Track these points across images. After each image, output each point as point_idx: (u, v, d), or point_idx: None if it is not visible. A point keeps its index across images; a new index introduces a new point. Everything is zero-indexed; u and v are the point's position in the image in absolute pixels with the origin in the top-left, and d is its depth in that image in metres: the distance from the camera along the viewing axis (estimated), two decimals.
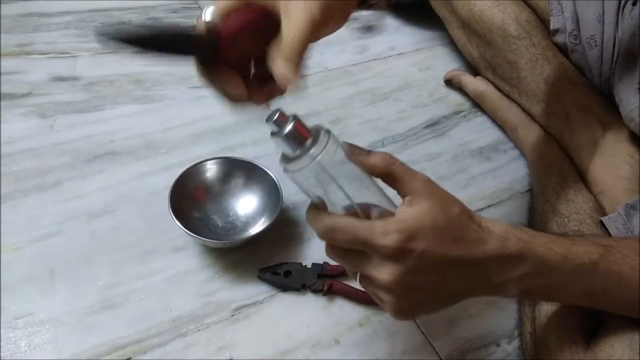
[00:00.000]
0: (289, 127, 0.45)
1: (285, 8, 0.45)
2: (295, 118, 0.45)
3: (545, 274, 0.48)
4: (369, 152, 0.47)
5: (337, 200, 0.46)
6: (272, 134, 0.46)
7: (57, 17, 1.00)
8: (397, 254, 0.43)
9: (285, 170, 0.46)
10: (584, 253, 0.49)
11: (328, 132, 0.45)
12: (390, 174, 0.46)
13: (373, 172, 0.47)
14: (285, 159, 0.46)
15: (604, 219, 0.67)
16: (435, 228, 0.44)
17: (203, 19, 0.43)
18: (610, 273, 0.50)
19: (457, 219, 0.46)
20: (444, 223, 0.45)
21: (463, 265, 0.46)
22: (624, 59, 0.74)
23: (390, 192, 0.48)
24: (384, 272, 0.44)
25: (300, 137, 0.45)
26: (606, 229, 0.67)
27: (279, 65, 0.44)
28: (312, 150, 0.44)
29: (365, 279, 0.47)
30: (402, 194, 0.47)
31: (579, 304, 0.55)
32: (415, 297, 0.46)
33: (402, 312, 0.47)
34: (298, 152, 0.44)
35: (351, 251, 0.46)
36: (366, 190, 0.47)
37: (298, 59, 0.45)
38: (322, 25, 0.45)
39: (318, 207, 0.47)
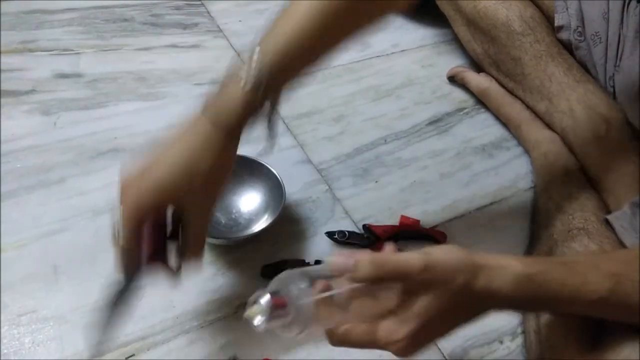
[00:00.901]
0: (263, 301, 0.45)
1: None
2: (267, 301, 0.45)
3: (554, 306, 0.50)
4: (347, 256, 0.45)
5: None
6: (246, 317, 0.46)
7: (61, 14, 1.00)
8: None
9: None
10: (593, 292, 0.48)
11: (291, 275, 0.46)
12: (383, 274, 0.44)
13: (362, 279, 0.44)
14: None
15: (609, 216, 0.67)
16: (442, 310, 0.44)
17: None
18: (619, 305, 0.49)
19: (461, 296, 0.45)
20: (447, 302, 0.44)
21: (468, 320, 0.47)
22: (628, 56, 0.74)
23: None
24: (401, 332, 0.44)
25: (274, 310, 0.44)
26: (611, 226, 0.67)
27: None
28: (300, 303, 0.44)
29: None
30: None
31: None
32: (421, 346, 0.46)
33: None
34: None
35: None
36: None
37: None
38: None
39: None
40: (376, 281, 0.44)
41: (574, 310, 0.50)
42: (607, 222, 0.67)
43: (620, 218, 0.66)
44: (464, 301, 0.45)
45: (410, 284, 0.43)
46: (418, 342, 0.45)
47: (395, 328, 0.44)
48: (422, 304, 0.43)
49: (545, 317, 0.61)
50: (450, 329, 0.46)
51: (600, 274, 0.50)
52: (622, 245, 0.65)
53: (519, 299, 0.47)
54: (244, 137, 0.84)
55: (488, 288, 0.45)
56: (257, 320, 0.44)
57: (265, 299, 0.44)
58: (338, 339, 0.46)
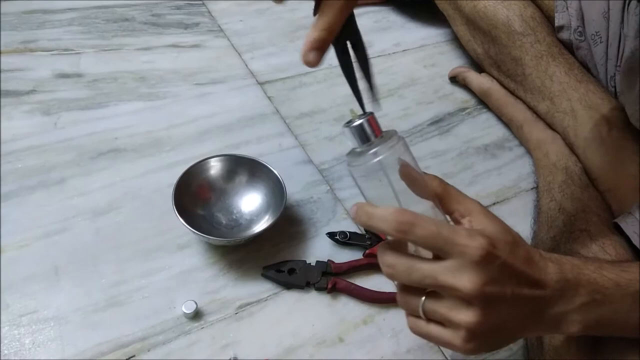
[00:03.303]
0: (359, 121, 0.45)
1: None
2: (371, 115, 0.46)
3: (601, 302, 0.46)
4: (424, 173, 0.46)
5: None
6: (345, 124, 0.46)
7: (61, 14, 1.00)
8: (483, 259, 0.40)
9: (348, 164, 0.46)
10: (636, 280, 0.47)
11: (401, 138, 0.46)
12: (447, 195, 0.45)
13: (430, 192, 0.45)
14: (350, 153, 0.46)
15: (620, 222, 0.66)
16: (507, 243, 0.42)
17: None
18: None
19: (520, 240, 0.45)
20: (512, 240, 0.43)
21: (532, 286, 0.43)
22: (629, 56, 0.73)
23: None
24: (467, 279, 0.40)
25: (369, 134, 0.45)
26: (617, 230, 0.66)
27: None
28: (377, 149, 0.44)
29: (433, 299, 0.43)
30: (459, 215, 0.45)
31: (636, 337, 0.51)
32: (491, 314, 0.42)
33: (477, 335, 0.42)
34: (363, 147, 0.45)
35: (419, 259, 0.42)
36: (422, 206, 0.45)
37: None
38: None
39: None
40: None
41: (619, 305, 0.47)
42: (616, 226, 0.67)
43: (631, 224, 0.65)
44: (526, 246, 0.45)
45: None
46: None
47: (477, 233, 0.41)
48: (486, 222, 0.44)
49: None
50: (520, 283, 0.43)
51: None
52: (632, 249, 0.64)
53: (567, 275, 0.45)
54: (244, 137, 0.84)
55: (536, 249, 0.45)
56: (356, 122, 0.45)
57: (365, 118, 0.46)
58: (411, 215, 0.41)
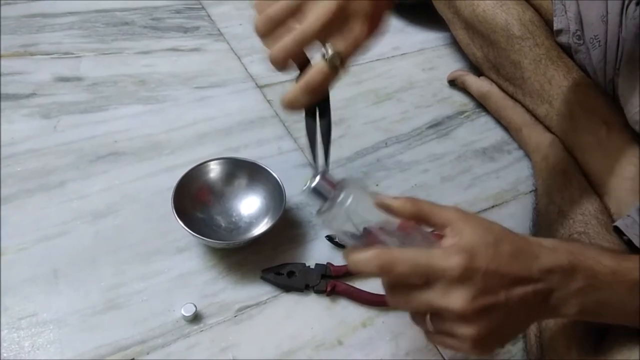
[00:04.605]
0: (315, 182, 0.48)
1: None
2: (322, 174, 0.49)
3: (598, 287, 0.47)
4: (393, 198, 0.47)
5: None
6: (303, 190, 0.50)
7: (61, 17, 1.00)
8: (463, 276, 0.41)
9: (323, 222, 0.50)
10: (634, 269, 0.48)
11: (354, 181, 0.49)
12: (420, 212, 0.46)
13: (402, 215, 0.47)
14: (318, 213, 0.49)
15: (619, 225, 0.66)
16: (488, 246, 0.43)
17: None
18: None
19: (503, 236, 0.45)
20: (494, 240, 0.44)
21: (525, 283, 0.44)
22: (627, 60, 0.74)
23: None
24: (455, 298, 0.42)
25: (326, 190, 0.48)
26: (618, 234, 0.66)
27: None
28: (340, 199, 0.47)
29: (436, 318, 0.45)
30: (439, 227, 0.46)
31: (635, 326, 0.52)
32: (490, 323, 0.43)
33: (482, 342, 0.44)
34: (326, 205, 0.48)
35: (413, 288, 0.44)
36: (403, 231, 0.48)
37: None
38: None
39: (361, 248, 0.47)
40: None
41: (616, 292, 0.48)
42: (615, 229, 0.66)
43: (631, 226, 0.65)
44: (511, 241, 0.45)
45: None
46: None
47: (451, 251, 0.42)
48: (464, 231, 0.44)
49: (546, 321, 0.61)
50: (510, 283, 0.44)
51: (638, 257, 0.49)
52: (631, 251, 0.64)
53: (562, 261, 0.46)
54: (243, 141, 0.84)
55: (529, 237, 0.47)
56: (308, 184, 0.49)
57: (319, 177, 0.49)
58: (387, 255, 0.43)
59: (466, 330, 0.43)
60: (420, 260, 0.43)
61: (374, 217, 0.48)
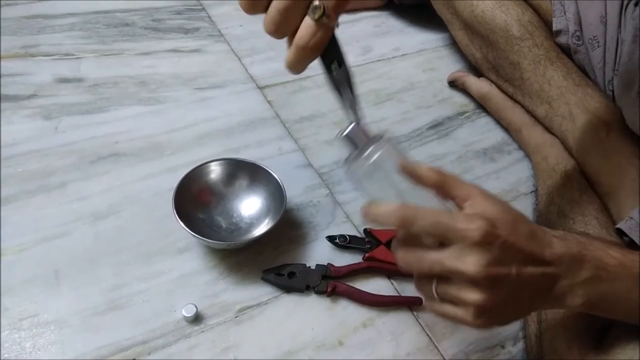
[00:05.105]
0: (349, 129, 0.49)
1: None
2: (357, 123, 0.50)
3: (605, 278, 0.47)
4: (420, 165, 0.47)
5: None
6: (337, 135, 0.50)
7: (62, 18, 1.00)
8: (483, 241, 0.42)
9: (346, 172, 0.50)
10: None
11: (389, 138, 0.49)
12: (444, 182, 0.47)
13: (427, 182, 0.47)
14: (346, 161, 0.50)
15: (622, 227, 0.66)
16: (509, 221, 0.44)
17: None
18: None
19: (521, 217, 0.46)
20: (513, 218, 0.45)
21: (537, 263, 0.45)
22: (627, 60, 0.74)
23: None
24: (470, 262, 0.42)
25: (359, 139, 0.49)
26: (618, 235, 0.66)
27: None
28: (369, 152, 0.48)
29: (444, 283, 0.45)
30: (460, 200, 0.47)
31: (636, 321, 0.52)
32: (497, 293, 0.44)
33: (485, 312, 0.44)
34: (356, 153, 0.49)
35: (428, 248, 0.45)
36: (424, 196, 0.48)
37: None
38: None
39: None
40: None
41: (623, 284, 0.48)
42: (618, 232, 0.66)
43: (634, 229, 0.65)
44: (529, 222, 0.46)
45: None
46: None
47: (475, 217, 0.43)
48: (486, 204, 0.45)
49: (547, 321, 0.61)
50: (524, 260, 0.44)
51: None
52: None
53: (572, 250, 0.46)
54: (244, 141, 0.84)
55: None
56: (344, 130, 0.50)
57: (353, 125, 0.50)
58: (410, 208, 0.44)
59: (473, 296, 0.43)
60: (443, 219, 0.43)
61: (398, 179, 0.48)
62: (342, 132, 0.50)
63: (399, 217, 0.44)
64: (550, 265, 0.45)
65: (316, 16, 0.44)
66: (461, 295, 0.44)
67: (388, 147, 0.48)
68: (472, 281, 0.43)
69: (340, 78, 0.52)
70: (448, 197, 0.48)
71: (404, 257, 0.47)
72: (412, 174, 0.47)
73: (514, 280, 0.44)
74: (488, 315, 0.45)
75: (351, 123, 0.50)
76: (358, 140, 0.49)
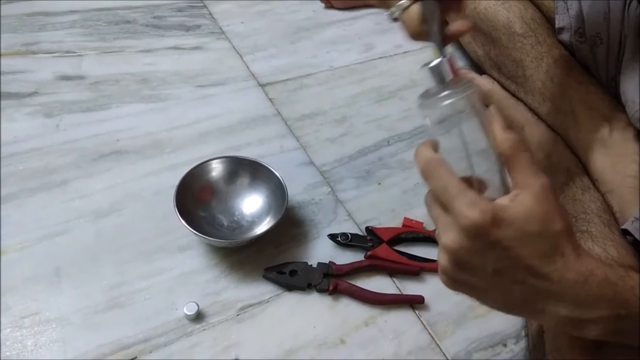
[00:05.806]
0: (436, 61, 0.45)
1: None
2: (450, 57, 0.45)
3: (625, 316, 0.44)
4: (502, 127, 0.44)
5: (455, 162, 0.44)
6: (423, 66, 0.46)
7: (63, 16, 1.00)
8: (469, 230, 0.41)
9: (419, 104, 0.46)
10: None
11: (477, 87, 0.45)
12: (511, 160, 0.44)
13: (501, 146, 0.44)
14: (424, 93, 0.46)
15: (628, 227, 0.65)
16: (522, 231, 0.41)
17: None
18: None
19: (552, 235, 0.42)
20: (536, 231, 0.42)
21: (536, 276, 0.42)
22: (629, 57, 0.73)
23: None
24: (448, 237, 0.43)
25: (446, 73, 0.45)
26: (621, 233, 0.66)
27: None
28: (450, 92, 0.44)
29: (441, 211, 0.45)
30: (514, 184, 0.44)
31: None
32: (463, 277, 0.44)
33: (448, 282, 0.46)
34: (436, 89, 0.45)
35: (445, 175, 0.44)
36: (489, 164, 0.45)
37: None
38: None
39: (434, 147, 0.45)
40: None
41: None
42: (624, 232, 0.66)
43: (639, 229, 0.64)
44: (554, 244, 0.43)
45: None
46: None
47: (480, 206, 0.41)
48: (522, 205, 0.42)
49: None
50: (513, 267, 0.43)
51: None
52: (636, 250, 0.64)
53: (592, 290, 0.43)
54: (245, 139, 0.84)
55: (580, 251, 0.44)
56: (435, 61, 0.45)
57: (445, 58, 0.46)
58: (434, 164, 0.44)
59: (441, 258, 0.45)
60: (452, 190, 0.42)
61: (467, 129, 0.44)
62: (429, 63, 0.45)
63: (421, 167, 0.44)
64: (553, 283, 0.43)
65: None
66: (440, 245, 0.45)
67: (472, 94, 0.44)
68: (443, 250, 0.44)
69: (433, 9, 0.51)
70: (511, 174, 0.44)
71: (426, 195, 0.47)
72: (493, 130, 0.44)
73: (484, 277, 0.43)
74: (450, 282, 0.46)
75: (443, 56, 0.46)
76: (445, 74, 0.45)
